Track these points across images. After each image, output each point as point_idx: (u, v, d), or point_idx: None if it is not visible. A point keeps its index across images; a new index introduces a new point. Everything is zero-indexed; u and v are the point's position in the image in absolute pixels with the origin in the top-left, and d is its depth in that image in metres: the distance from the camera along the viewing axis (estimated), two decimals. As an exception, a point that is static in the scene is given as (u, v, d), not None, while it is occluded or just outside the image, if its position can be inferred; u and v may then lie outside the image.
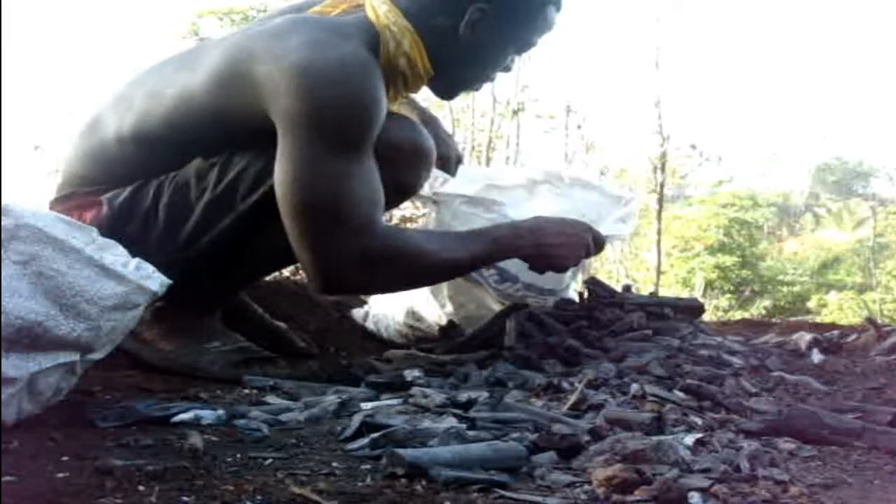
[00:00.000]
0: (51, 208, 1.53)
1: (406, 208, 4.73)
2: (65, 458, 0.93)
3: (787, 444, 1.10)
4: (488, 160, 9.66)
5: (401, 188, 1.54)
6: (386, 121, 1.42)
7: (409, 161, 1.52)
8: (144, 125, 1.49)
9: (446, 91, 1.66)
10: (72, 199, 1.54)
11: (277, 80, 1.35)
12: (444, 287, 1.91)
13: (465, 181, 1.97)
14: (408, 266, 1.46)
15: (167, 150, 1.48)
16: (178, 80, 1.49)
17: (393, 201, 1.55)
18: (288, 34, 1.40)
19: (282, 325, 1.82)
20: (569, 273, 1.88)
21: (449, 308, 1.92)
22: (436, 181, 1.89)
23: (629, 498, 0.86)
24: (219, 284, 1.60)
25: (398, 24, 1.48)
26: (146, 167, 1.49)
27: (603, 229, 1.87)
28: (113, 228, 1.36)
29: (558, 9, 1.61)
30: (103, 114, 1.58)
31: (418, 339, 1.94)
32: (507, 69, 1.65)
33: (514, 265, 1.81)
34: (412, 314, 1.96)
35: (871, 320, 2.24)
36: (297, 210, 1.38)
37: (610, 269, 11.55)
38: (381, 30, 1.48)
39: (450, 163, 1.88)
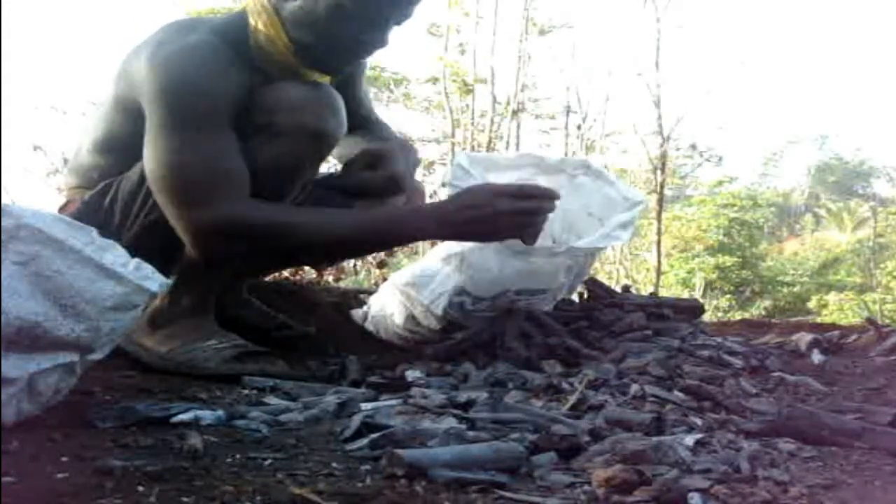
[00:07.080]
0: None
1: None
2: (64, 459, 0.93)
3: (787, 445, 1.10)
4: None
5: (286, 167, 1.55)
6: (290, 101, 1.51)
7: (298, 142, 1.53)
8: (100, 137, 1.65)
9: (321, 64, 1.62)
10: (66, 208, 1.66)
11: (140, 76, 1.51)
12: (464, 254, 1.85)
13: (479, 168, 1.94)
14: (266, 237, 1.51)
15: (125, 155, 1.58)
16: (109, 94, 1.63)
17: (285, 180, 1.57)
18: (150, 38, 1.56)
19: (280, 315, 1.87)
20: (562, 271, 1.87)
21: (466, 274, 1.87)
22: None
23: (629, 498, 0.86)
24: (208, 285, 1.62)
25: (257, 4, 1.57)
26: (113, 171, 1.62)
27: (603, 232, 1.87)
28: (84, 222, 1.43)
29: None
30: (84, 128, 1.74)
31: (417, 342, 1.93)
32: (374, 43, 1.58)
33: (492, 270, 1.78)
34: (411, 319, 1.95)
35: (871, 321, 2.24)
36: (155, 184, 1.49)
37: (610, 269, 11.55)
38: (249, 13, 1.59)
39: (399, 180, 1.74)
